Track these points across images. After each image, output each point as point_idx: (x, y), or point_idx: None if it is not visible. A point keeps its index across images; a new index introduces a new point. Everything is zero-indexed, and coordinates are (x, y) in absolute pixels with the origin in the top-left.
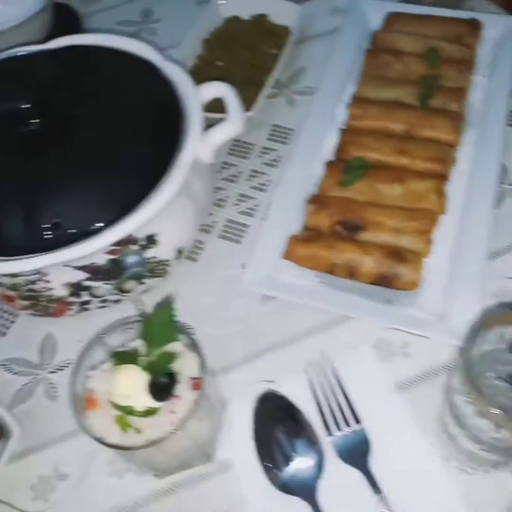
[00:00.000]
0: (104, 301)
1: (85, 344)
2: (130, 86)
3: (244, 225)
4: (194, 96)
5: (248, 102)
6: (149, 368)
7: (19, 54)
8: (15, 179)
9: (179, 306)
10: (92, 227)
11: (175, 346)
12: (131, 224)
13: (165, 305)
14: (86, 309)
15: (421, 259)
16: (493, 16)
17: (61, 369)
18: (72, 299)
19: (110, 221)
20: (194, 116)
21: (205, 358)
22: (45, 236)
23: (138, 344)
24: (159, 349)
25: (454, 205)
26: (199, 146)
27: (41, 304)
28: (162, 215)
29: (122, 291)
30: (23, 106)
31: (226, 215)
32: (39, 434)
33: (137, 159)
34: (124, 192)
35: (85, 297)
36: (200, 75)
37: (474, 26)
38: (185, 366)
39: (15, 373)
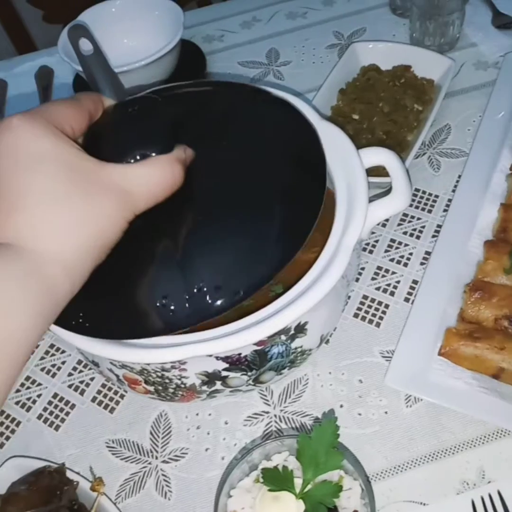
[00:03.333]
0: (236, 391)
1: (231, 462)
2: (275, 140)
3: (382, 304)
4: (359, 167)
5: None
6: (306, 498)
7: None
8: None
9: (308, 396)
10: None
11: (336, 474)
12: (294, 314)
13: (327, 422)
14: (214, 397)
15: None
16: None
17: (176, 459)
18: (203, 388)
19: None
20: (360, 190)
21: (372, 491)
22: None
23: (287, 462)
24: (318, 475)
25: None
26: (367, 218)
27: (169, 391)
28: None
29: (258, 382)
30: None
31: (362, 290)
32: None
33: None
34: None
35: (217, 386)
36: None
37: None
38: (345, 497)
39: (123, 459)
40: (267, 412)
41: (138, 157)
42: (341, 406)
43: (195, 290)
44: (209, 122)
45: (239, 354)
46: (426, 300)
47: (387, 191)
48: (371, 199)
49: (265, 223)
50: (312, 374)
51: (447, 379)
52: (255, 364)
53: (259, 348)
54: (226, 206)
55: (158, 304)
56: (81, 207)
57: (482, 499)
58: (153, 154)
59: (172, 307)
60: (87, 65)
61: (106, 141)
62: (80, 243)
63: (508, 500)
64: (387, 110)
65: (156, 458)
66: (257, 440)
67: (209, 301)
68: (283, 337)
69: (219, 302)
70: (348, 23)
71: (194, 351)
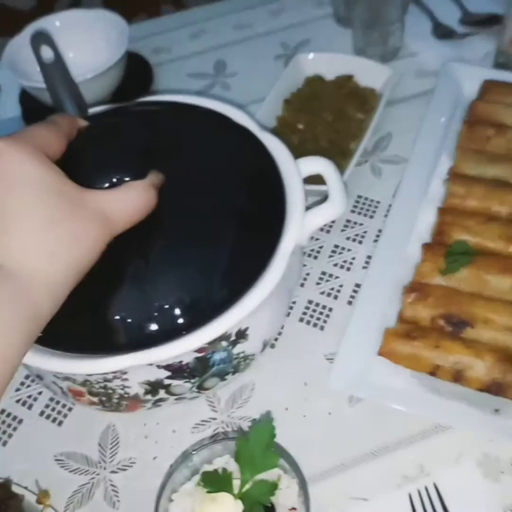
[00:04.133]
0: (180, 398)
1: (173, 464)
2: (227, 158)
3: (326, 308)
4: (296, 174)
5: None
6: (244, 498)
7: (108, 117)
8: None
9: (256, 401)
10: (184, 323)
11: (273, 473)
12: (231, 321)
13: (264, 424)
14: (159, 406)
15: None
16: None
17: (124, 469)
18: (147, 397)
19: (204, 317)
20: (296, 198)
21: (307, 488)
22: (131, 332)
23: (228, 464)
24: (256, 475)
25: None
26: (302, 226)
27: (113, 401)
28: (257, 308)
29: (202, 388)
30: None
31: (306, 295)
32: None
33: (236, 247)
34: (221, 283)
35: (161, 395)
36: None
37: None
38: (283, 495)
39: (72, 471)
40: (215, 419)
41: (114, 181)
42: (287, 408)
43: (156, 309)
44: (168, 146)
45: (180, 361)
46: (367, 302)
47: (325, 198)
48: (310, 207)
49: (227, 247)
50: (258, 379)
51: (388, 378)
52: (198, 371)
53: (200, 355)
54: (189, 229)
55: (118, 321)
56: (67, 231)
57: (419, 492)
58: (128, 179)
59: (132, 324)
60: (48, 74)
61: (83, 166)
62: (65, 266)
63: (444, 492)
64: (330, 119)
65: (105, 468)
66: (197, 445)
67: (171, 320)
68: (224, 343)
69: (180, 321)
70: (294, 34)
71: (134, 361)
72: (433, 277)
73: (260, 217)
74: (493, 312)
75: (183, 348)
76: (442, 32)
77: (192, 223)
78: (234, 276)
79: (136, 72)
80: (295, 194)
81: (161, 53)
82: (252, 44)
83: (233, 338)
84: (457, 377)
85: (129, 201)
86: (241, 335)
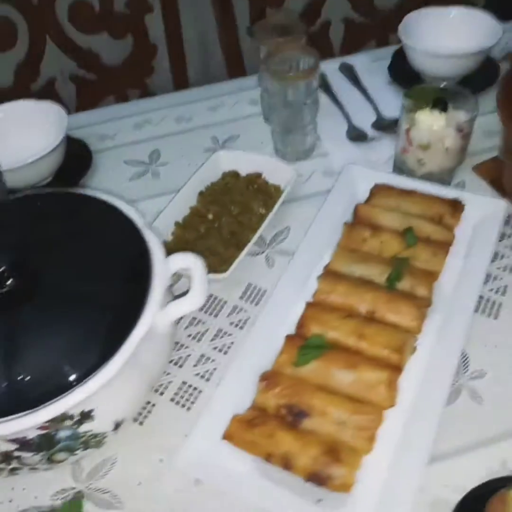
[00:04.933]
0: (34, 468)
1: None
2: (106, 248)
3: (197, 389)
4: (163, 268)
5: (227, 261)
6: None
7: None
8: None
9: (115, 474)
10: (24, 399)
11: None
12: (65, 404)
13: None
14: (16, 474)
15: (360, 457)
16: (477, 197)
17: None
18: (2, 465)
19: (44, 395)
20: (157, 289)
21: None
22: None
23: None
24: None
25: (406, 398)
26: (157, 318)
27: None
28: (101, 391)
29: (53, 461)
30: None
31: (183, 376)
32: None
33: (89, 331)
34: (66, 366)
35: (14, 464)
36: (189, 227)
37: (456, 207)
38: None
39: None
40: (74, 488)
41: None
42: (139, 483)
43: (17, 381)
44: (55, 234)
45: (24, 437)
46: (227, 388)
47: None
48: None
49: (80, 331)
50: (121, 452)
51: (232, 461)
52: (43, 446)
53: (43, 432)
54: (45, 310)
55: None
56: None
57: None
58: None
59: None
60: None
61: None
62: None
63: None
64: (236, 212)
65: None
66: None
67: (14, 397)
68: (68, 422)
69: (24, 398)
70: (226, 129)
71: None
72: (287, 367)
73: (118, 305)
74: (330, 405)
75: (19, 425)
76: (354, 134)
77: (50, 304)
78: (80, 360)
79: (76, 157)
80: (157, 285)
81: (106, 140)
82: (187, 136)
83: (77, 418)
84: (287, 465)
85: None
86: (86, 415)
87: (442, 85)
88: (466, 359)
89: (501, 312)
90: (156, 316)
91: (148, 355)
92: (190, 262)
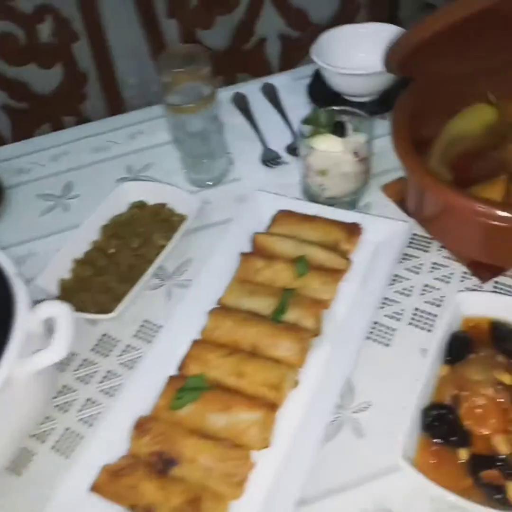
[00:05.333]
0: None
1: None
2: None
3: (79, 436)
4: (26, 318)
5: (120, 297)
6: None
7: None
8: None
9: None
10: None
11: None
12: None
13: None
14: None
15: (225, 504)
16: (378, 219)
17: None
18: None
19: None
20: (16, 339)
21: None
22: None
23: None
24: None
25: (283, 437)
26: (16, 368)
27: None
28: None
29: None
30: None
31: (66, 422)
32: None
33: None
34: None
35: None
36: (88, 263)
37: (353, 231)
38: None
39: None
40: None
41: None
42: None
43: None
44: None
45: None
46: (101, 435)
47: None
48: None
49: None
50: (2, 505)
51: None
52: None
53: None
54: None
55: None
56: None
57: None
58: None
59: None
60: None
61: None
62: None
63: None
64: (136, 245)
65: None
66: None
67: None
68: None
69: None
70: (142, 157)
71: None
72: (165, 411)
73: None
74: (200, 451)
75: None
76: (267, 158)
77: None
78: None
79: None
80: (17, 336)
81: (22, 173)
82: (102, 166)
83: None
84: None
85: None
86: None
87: (337, 108)
88: (352, 391)
89: (395, 339)
90: (14, 367)
91: (9, 407)
92: (56, 310)
